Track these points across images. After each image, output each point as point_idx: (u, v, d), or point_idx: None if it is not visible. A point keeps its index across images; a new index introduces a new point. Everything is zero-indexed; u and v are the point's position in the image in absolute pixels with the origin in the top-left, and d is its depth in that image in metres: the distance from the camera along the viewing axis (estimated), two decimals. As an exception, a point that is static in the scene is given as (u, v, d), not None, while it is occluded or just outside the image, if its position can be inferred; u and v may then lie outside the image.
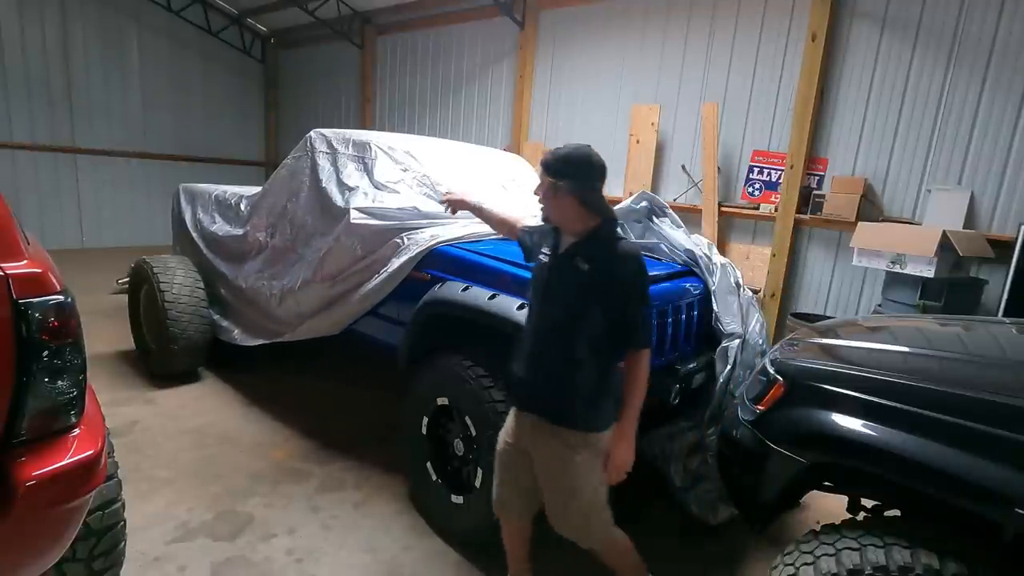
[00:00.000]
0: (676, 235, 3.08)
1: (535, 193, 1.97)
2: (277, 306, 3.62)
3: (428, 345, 2.79)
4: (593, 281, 1.82)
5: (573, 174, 1.85)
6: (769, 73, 5.31)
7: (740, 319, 2.85)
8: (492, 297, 2.51)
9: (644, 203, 3.19)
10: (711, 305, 2.86)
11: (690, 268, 2.96)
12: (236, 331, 4.02)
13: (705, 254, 2.97)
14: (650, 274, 2.51)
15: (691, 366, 2.70)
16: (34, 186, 8.46)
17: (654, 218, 3.18)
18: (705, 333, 2.86)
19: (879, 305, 4.48)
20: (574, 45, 6.72)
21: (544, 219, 2.00)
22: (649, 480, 2.81)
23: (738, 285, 3.00)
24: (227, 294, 4.21)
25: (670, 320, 2.61)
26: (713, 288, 2.87)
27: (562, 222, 1.93)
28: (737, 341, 2.74)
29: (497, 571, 2.46)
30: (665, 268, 2.89)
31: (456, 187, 3.19)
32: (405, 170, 3.42)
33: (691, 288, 2.80)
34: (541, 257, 1.97)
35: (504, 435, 2.07)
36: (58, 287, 1.40)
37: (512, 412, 2.05)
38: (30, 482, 1.30)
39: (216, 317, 4.19)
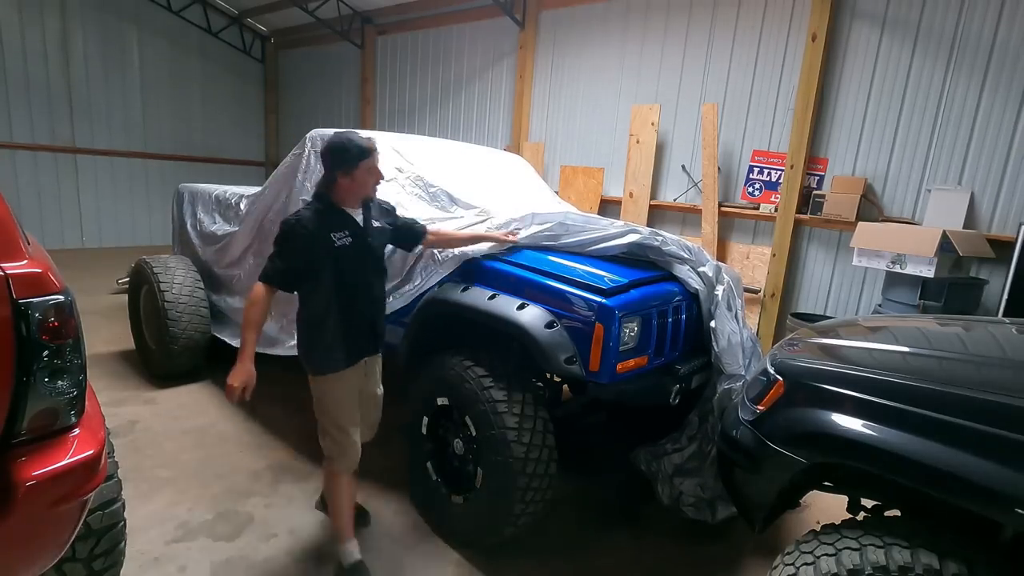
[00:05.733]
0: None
1: (380, 178, 2.30)
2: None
3: (428, 346, 2.79)
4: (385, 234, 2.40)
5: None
6: (769, 73, 5.31)
7: (741, 357, 2.70)
8: (492, 297, 2.51)
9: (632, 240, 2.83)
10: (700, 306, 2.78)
11: (669, 273, 2.82)
12: (228, 331, 4.05)
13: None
14: (636, 278, 2.60)
15: (690, 366, 2.71)
16: (34, 186, 8.46)
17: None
18: (696, 329, 2.82)
19: (879, 305, 4.48)
20: (574, 45, 6.72)
21: (368, 200, 2.33)
22: (648, 482, 2.83)
23: (737, 319, 2.83)
24: (226, 294, 4.21)
25: (670, 321, 2.61)
26: (713, 325, 2.72)
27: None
28: (740, 384, 2.59)
29: (497, 571, 2.46)
30: (646, 274, 2.75)
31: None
32: (400, 170, 3.42)
33: (676, 290, 2.73)
34: (340, 239, 2.20)
35: (352, 390, 2.34)
36: (58, 287, 1.40)
37: (349, 368, 2.30)
38: (30, 482, 1.30)
39: (218, 309, 4.20)
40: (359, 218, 2.29)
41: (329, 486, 2.45)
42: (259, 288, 2.16)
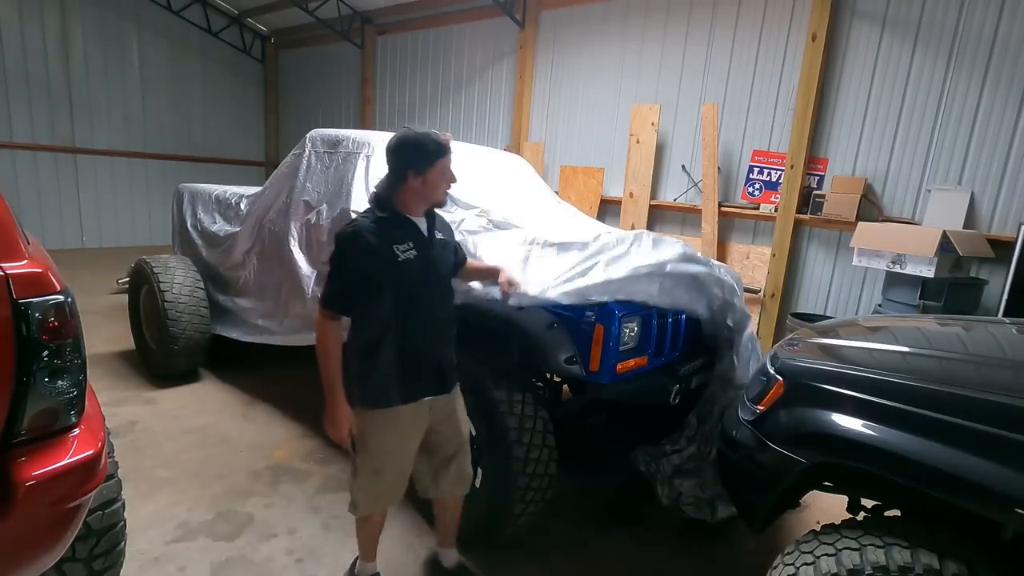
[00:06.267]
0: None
1: (453, 181, 2.00)
2: (274, 307, 3.63)
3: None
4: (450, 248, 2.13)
5: None
6: (769, 73, 5.31)
7: (747, 365, 2.72)
8: (492, 298, 2.51)
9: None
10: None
11: None
12: (235, 331, 4.06)
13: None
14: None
15: (690, 367, 2.71)
16: (34, 186, 8.47)
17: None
18: (696, 331, 2.83)
19: (879, 305, 4.48)
20: (574, 45, 6.72)
21: (436, 205, 2.04)
22: (647, 482, 2.83)
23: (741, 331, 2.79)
24: (227, 293, 4.21)
25: (670, 321, 2.61)
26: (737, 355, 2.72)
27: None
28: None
29: (497, 571, 2.46)
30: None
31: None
32: None
33: None
34: (404, 252, 1.92)
35: (403, 434, 2.04)
36: (58, 287, 1.40)
37: (406, 406, 1.99)
38: (30, 482, 1.30)
39: (226, 308, 4.22)
40: (423, 228, 2.00)
41: (361, 529, 2.20)
42: (320, 318, 1.89)
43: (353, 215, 3.09)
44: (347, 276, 1.88)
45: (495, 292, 2.41)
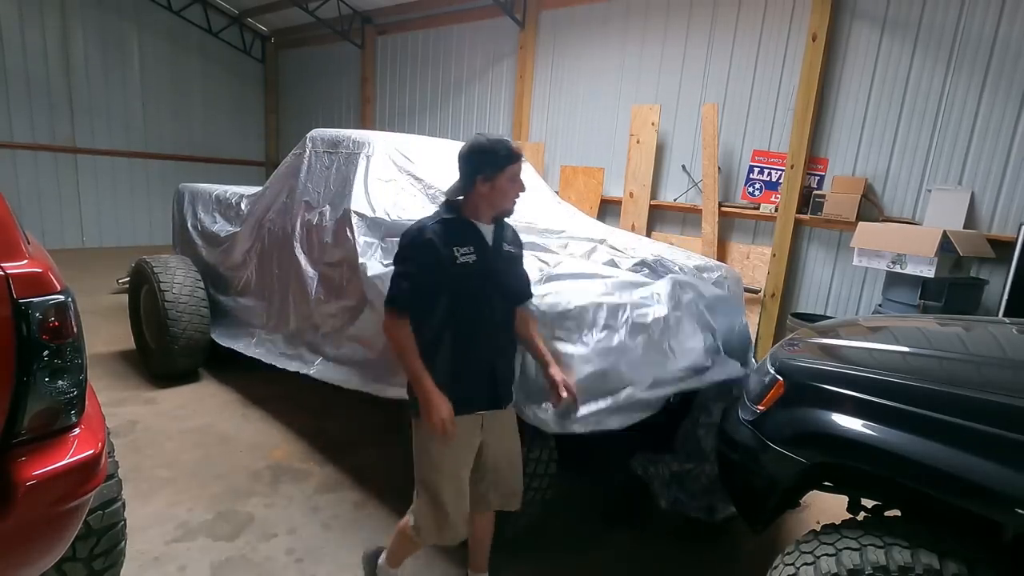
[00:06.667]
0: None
1: (522, 190, 1.97)
2: (277, 309, 3.64)
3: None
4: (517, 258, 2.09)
5: None
6: (769, 73, 5.30)
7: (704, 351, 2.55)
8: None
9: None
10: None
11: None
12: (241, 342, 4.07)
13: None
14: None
15: None
16: (34, 186, 8.47)
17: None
18: None
19: (879, 305, 4.48)
20: (574, 45, 6.72)
21: (503, 214, 2.00)
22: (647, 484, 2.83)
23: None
24: (227, 294, 4.22)
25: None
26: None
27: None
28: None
29: (497, 571, 2.45)
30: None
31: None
32: (400, 170, 3.42)
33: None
34: (463, 255, 1.89)
35: (455, 449, 1.94)
36: (58, 287, 1.40)
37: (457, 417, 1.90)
38: (30, 482, 1.31)
39: (227, 308, 4.21)
40: (489, 236, 1.97)
41: (401, 543, 2.13)
42: (387, 318, 1.90)
43: (353, 215, 3.09)
44: (407, 275, 1.88)
45: (544, 414, 2.18)
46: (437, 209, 1.99)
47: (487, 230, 1.96)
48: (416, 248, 1.87)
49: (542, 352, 2.11)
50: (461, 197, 1.96)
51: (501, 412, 2.04)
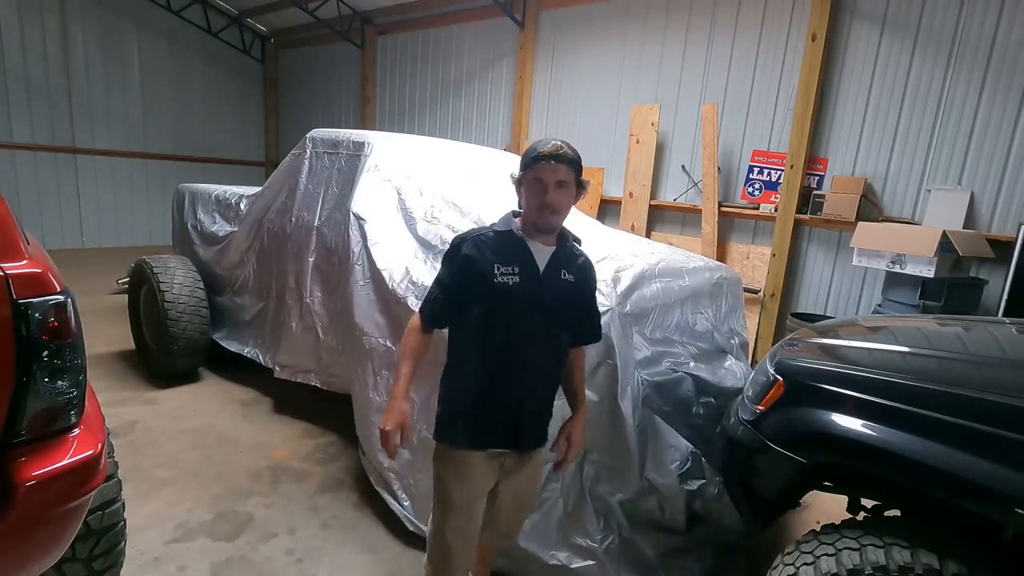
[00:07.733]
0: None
1: (563, 200, 1.65)
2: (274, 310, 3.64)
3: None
4: (578, 289, 1.77)
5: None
6: (769, 73, 5.31)
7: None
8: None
9: None
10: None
11: None
12: (236, 341, 4.07)
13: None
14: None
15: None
16: (34, 186, 8.46)
17: None
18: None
19: (879, 305, 4.48)
20: (574, 45, 6.72)
21: (550, 228, 1.68)
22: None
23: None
24: (232, 295, 4.22)
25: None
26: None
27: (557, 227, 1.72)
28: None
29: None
30: None
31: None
32: (401, 170, 3.41)
33: None
34: (503, 274, 1.66)
35: (468, 485, 1.76)
36: (58, 287, 1.40)
37: (471, 453, 1.73)
38: (30, 482, 1.30)
39: (225, 309, 4.21)
40: (542, 258, 1.69)
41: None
42: (413, 319, 1.76)
43: (353, 215, 3.09)
44: (440, 282, 1.73)
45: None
46: (506, 214, 1.77)
47: (541, 251, 1.70)
48: (451, 256, 1.71)
49: (578, 400, 1.90)
50: (517, 209, 1.74)
51: (524, 455, 1.82)
